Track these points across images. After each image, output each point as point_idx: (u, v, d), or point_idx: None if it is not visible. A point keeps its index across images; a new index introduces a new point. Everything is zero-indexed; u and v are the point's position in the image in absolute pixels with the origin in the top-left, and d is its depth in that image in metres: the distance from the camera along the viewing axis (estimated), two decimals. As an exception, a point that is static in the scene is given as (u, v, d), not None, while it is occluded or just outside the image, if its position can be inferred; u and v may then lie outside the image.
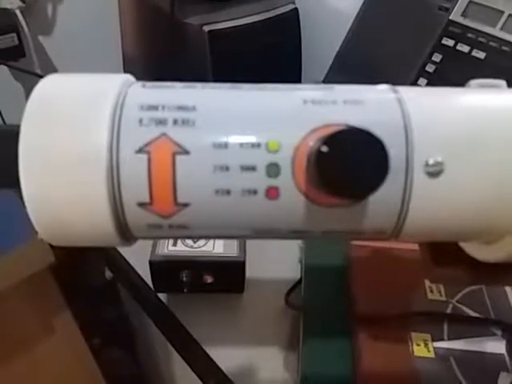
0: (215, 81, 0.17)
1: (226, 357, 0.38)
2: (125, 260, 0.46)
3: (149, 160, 0.15)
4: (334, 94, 0.17)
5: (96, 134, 0.16)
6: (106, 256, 0.48)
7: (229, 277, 0.41)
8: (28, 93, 0.17)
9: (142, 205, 0.16)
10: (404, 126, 0.16)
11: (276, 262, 0.45)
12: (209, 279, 0.41)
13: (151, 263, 0.40)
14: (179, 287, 0.41)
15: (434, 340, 0.33)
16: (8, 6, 0.63)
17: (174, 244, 0.41)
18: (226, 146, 0.15)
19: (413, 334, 0.33)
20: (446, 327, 0.34)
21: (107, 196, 0.16)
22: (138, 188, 0.16)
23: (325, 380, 0.33)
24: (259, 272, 0.44)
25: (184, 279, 0.40)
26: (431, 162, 0.15)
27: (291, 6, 0.68)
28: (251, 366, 0.38)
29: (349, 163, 0.13)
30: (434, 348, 0.33)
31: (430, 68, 0.54)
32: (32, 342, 0.45)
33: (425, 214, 0.16)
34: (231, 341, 0.40)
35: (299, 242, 0.46)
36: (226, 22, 0.62)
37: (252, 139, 0.15)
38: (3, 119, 0.62)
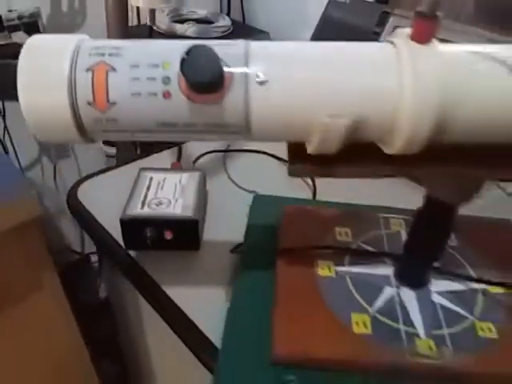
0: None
1: (184, 297, 0.47)
2: (101, 225, 0.55)
3: (92, 75, 0.26)
4: (213, 41, 0.28)
5: (63, 62, 0.26)
6: (87, 227, 0.57)
7: (185, 234, 0.50)
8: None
9: (89, 103, 0.26)
10: (245, 54, 0.26)
11: (231, 227, 0.54)
12: (168, 236, 0.50)
13: (122, 221, 0.49)
14: (145, 244, 0.50)
15: (336, 266, 0.42)
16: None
17: (142, 207, 0.51)
18: (138, 66, 0.26)
19: (319, 261, 0.42)
20: (347, 258, 0.43)
21: (68, 99, 0.26)
22: (86, 92, 0.26)
23: (250, 299, 0.41)
24: (215, 235, 0.53)
25: (148, 235, 0.50)
26: (259, 75, 0.26)
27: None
28: (202, 303, 0.46)
29: (198, 65, 0.24)
30: (335, 270, 0.41)
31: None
32: (19, 294, 0.52)
33: (264, 114, 0.27)
34: (189, 285, 0.48)
35: (247, 210, 0.55)
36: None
37: (154, 61, 0.26)
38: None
